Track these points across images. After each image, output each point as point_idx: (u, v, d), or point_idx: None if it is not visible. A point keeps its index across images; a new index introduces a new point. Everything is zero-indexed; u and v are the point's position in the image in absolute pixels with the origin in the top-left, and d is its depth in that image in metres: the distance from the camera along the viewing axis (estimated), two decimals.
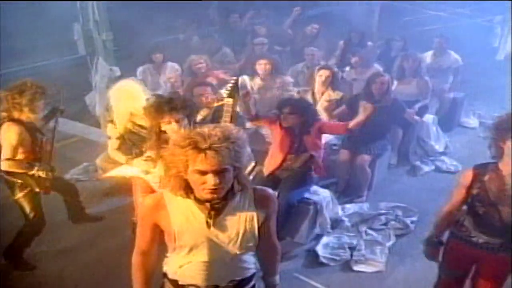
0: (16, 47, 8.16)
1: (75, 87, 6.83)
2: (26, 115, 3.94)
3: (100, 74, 6.71)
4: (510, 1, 8.91)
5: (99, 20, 6.73)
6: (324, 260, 4.39)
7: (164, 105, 3.47)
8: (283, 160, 4.61)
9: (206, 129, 2.09)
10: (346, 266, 4.38)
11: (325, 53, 7.30)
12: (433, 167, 6.12)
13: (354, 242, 4.61)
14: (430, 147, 6.34)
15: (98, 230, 4.79)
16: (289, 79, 6.28)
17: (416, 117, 5.90)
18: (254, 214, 2.27)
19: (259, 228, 2.28)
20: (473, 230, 3.00)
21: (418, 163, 6.14)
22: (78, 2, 6.89)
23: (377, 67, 6.60)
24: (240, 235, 2.24)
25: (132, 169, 3.89)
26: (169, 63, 6.59)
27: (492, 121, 2.94)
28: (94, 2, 6.70)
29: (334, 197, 4.97)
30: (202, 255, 2.25)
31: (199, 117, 4.29)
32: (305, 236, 4.62)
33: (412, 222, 4.91)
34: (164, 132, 3.52)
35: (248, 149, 2.23)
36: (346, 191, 5.42)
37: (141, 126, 4.03)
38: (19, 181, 4.03)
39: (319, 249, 4.50)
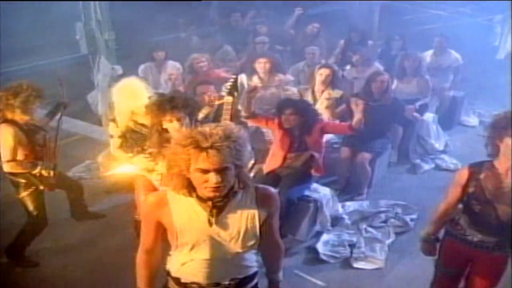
0: (19, 46, 8.22)
1: (77, 86, 6.83)
2: (19, 116, 3.93)
3: (102, 73, 6.72)
4: (510, 0, 8.92)
5: (101, 20, 6.74)
6: (324, 257, 4.43)
7: (166, 104, 3.49)
8: (284, 159, 4.64)
9: (207, 128, 2.11)
10: (346, 263, 4.41)
11: (325, 52, 7.32)
12: (433, 165, 6.15)
13: (354, 239, 4.65)
14: (430, 146, 6.36)
15: (100, 227, 4.83)
16: (289, 77, 6.29)
17: (416, 114, 5.93)
18: (256, 212, 2.28)
19: (260, 226, 2.30)
20: (468, 228, 3.03)
21: (418, 161, 6.18)
22: (80, 1, 6.90)
23: (378, 65, 6.62)
24: (242, 233, 2.26)
25: (134, 167, 3.91)
26: (170, 62, 6.61)
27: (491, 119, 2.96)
28: (97, 1, 6.71)
29: (334, 195, 4.99)
30: (203, 253, 2.27)
31: (201, 116, 4.31)
32: (305, 233, 4.65)
33: (411, 219, 4.94)
34: (166, 130, 3.54)
35: (249, 148, 2.24)
36: (347, 189, 5.45)
37: (142, 125, 4.03)
38: (23, 181, 4.04)
39: (319, 246, 4.54)
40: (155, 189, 3.65)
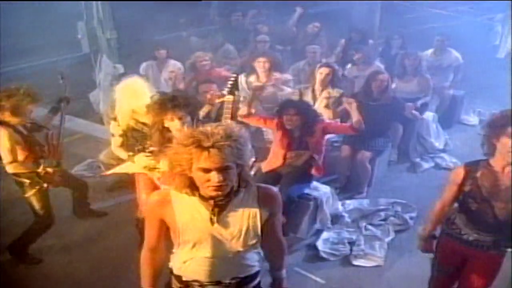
0: (20, 45, 8.25)
1: (79, 85, 6.86)
2: (9, 118, 3.91)
3: (104, 72, 6.73)
4: (510, 0, 8.93)
5: (103, 19, 6.75)
6: (324, 255, 4.46)
7: (168, 103, 3.50)
8: (284, 158, 4.66)
9: (209, 127, 2.13)
10: (346, 260, 4.45)
11: (326, 51, 7.34)
12: (432, 164, 6.17)
13: (354, 237, 4.68)
14: (430, 144, 6.38)
15: (102, 225, 4.86)
16: (288, 76, 6.29)
17: (415, 112, 5.95)
18: (257, 211, 2.30)
19: (262, 225, 2.32)
20: (464, 227, 3.05)
21: (418, 160, 6.20)
22: (82, 1, 6.92)
23: (378, 64, 6.64)
24: (243, 232, 2.28)
25: (136, 165, 3.94)
26: (172, 61, 6.63)
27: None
28: (99, 1, 6.73)
29: (334, 193, 5.02)
30: (205, 251, 2.29)
31: (201, 114, 4.32)
32: (306, 231, 4.67)
33: (411, 218, 4.97)
34: (167, 129, 3.55)
35: (250, 146, 2.26)
36: (347, 187, 5.48)
37: (143, 124, 4.05)
38: (27, 180, 4.05)
39: (319, 244, 4.57)
40: (156, 187, 3.66)
